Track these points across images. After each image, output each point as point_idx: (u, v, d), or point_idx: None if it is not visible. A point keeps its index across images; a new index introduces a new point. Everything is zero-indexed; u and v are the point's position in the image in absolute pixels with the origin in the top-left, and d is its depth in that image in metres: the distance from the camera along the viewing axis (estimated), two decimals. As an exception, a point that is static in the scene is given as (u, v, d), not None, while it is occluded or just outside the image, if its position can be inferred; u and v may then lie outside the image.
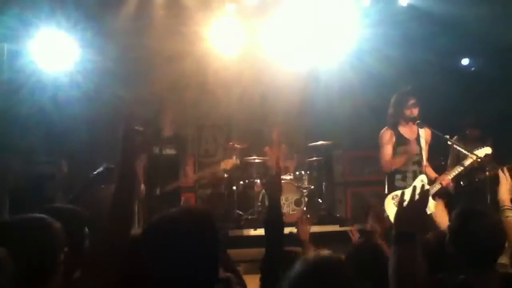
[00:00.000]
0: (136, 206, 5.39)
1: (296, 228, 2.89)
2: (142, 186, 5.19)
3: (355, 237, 3.04)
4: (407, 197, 1.72)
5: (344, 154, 7.59)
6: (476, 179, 4.91)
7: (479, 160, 4.25)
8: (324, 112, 7.47)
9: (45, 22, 6.09)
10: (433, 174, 4.47)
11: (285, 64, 7.08)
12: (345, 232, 6.26)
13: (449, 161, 5.47)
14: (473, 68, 7.11)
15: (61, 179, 6.14)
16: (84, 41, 6.34)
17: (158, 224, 1.55)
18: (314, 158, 7.07)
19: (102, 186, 2.70)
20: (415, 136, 4.50)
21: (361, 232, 3.30)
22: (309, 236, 2.88)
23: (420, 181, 4.40)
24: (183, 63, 7.06)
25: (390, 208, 4.32)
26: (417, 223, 1.67)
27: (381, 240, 4.87)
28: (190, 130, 8.15)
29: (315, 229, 6.19)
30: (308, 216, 5.93)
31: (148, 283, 1.46)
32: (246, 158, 6.93)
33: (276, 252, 2.25)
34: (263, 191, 6.74)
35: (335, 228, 6.46)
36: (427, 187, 4.30)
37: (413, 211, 1.68)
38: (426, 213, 1.74)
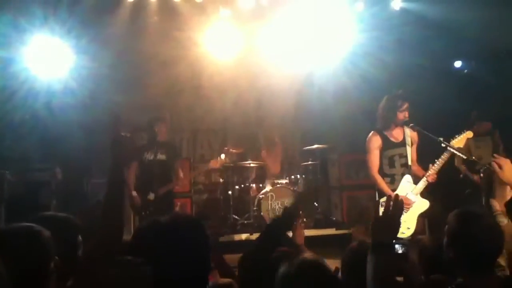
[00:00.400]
0: (132, 214, 5.37)
1: (291, 232, 2.88)
2: (135, 193, 5.17)
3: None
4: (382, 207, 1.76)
5: (339, 158, 7.60)
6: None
7: (465, 157, 4.30)
8: (319, 116, 7.49)
9: (39, 29, 6.09)
10: (421, 172, 4.48)
11: (280, 68, 7.10)
12: (341, 236, 6.29)
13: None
14: (466, 71, 7.15)
15: (56, 186, 6.12)
16: (79, 47, 6.33)
17: (146, 230, 1.55)
18: (310, 162, 7.07)
19: None
20: (401, 138, 4.53)
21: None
22: (305, 239, 2.89)
23: (406, 181, 4.43)
24: (178, 68, 7.08)
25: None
26: (392, 232, 1.72)
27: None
28: (185, 135, 8.15)
29: (312, 232, 6.20)
30: (304, 220, 5.93)
31: None
32: (242, 162, 6.93)
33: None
34: (258, 196, 6.74)
35: (331, 231, 6.46)
36: (412, 186, 4.30)
37: (388, 221, 1.71)
38: (399, 223, 1.78)
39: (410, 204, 4.32)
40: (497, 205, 2.62)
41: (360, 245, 2.24)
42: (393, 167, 4.48)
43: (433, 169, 4.36)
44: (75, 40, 6.28)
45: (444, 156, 4.35)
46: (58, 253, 1.73)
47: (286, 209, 2.50)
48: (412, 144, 4.57)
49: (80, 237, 2.03)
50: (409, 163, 4.50)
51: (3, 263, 1.41)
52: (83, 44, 6.30)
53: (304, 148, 7.08)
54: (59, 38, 6.25)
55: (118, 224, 1.70)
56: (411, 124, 4.50)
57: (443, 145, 4.37)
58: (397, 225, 1.76)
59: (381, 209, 4.20)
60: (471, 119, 5.72)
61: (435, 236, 2.79)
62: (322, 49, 6.93)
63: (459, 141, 4.37)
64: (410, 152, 4.52)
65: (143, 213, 5.10)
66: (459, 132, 4.40)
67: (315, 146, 6.96)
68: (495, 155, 2.54)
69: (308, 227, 6.55)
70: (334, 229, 6.51)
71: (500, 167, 2.40)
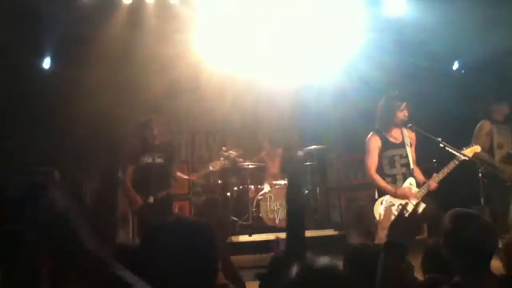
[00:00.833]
0: (130, 217, 5.35)
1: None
2: (134, 196, 5.14)
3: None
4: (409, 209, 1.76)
5: (337, 159, 7.61)
6: None
7: (467, 159, 4.32)
8: (318, 117, 7.50)
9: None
10: (421, 177, 4.52)
11: (278, 69, 7.11)
12: (339, 237, 6.30)
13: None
14: (463, 71, 7.17)
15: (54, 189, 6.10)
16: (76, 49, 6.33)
17: (157, 232, 1.55)
18: (308, 163, 7.08)
19: None
20: (400, 139, 4.55)
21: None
22: (306, 240, 2.85)
23: (409, 184, 4.44)
24: (176, 70, 7.07)
25: (379, 212, 4.35)
26: (409, 235, 1.72)
27: (362, 240, 4.90)
28: (184, 137, 8.15)
29: (311, 233, 6.21)
30: None
31: None
32: (240, 164, 6.93)
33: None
34: (257, 197, 6.74)
35: (330, 232, 6.47)
36: (415, 189, 4.30)
37: (409, 224, 1.72)
38: (420, 226, 1.80)
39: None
40: None
41: (363, 246, 2.24)
42: (394, 167, 4.51)
43: (437, 178, 4.37)
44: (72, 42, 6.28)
45: (450, 166, 4.35)
46: (55, 253, 1.72)
47: None
48: (411, 145, 4.59)
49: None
50: (411, 164, 4.51)
51: None
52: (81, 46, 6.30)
53: (303, 149, 7.09)
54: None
55: (109, 225, 1.69)
56: (409, 125, 4.52)
57: (441, 145, 4.39)
58: (417, 227, 1.77)
59: (382, 207, 4.22)
60: (486, 108, 5.61)
61: (435, 237, 2.80)
62: (320, 50, 6.94)
63: (466, 153, 4.40)
64: (410, 153, 4.53)
65: (141, 216, 5.08)
66: (465, 142, 4.46)
67: (313, 147, 6.97)
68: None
69: (307, 228, 6.54)
70: (333, 230, 6.51)
71: None
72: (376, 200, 4.47)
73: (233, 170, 7.00)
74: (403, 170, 4.51)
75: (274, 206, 6.60)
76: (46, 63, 6.81)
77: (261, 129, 7.83)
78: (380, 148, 4.52)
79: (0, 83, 5.98)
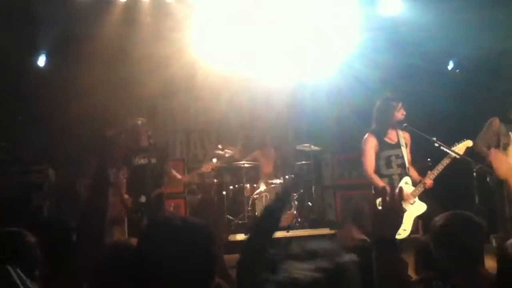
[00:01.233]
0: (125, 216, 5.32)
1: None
2: (126, 197, 5.11)
3: None
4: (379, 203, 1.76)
5: (332, 158, 7.63)
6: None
7: (458, 156, 4.35)
8: (312, 116, 7.51)
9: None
10: (416, 176, 4.56)
11: (273, 69, 7.11)
12: (335, 235, 6.31)
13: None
14: (457, 70, 7.20)
15: (48, 187, 6.09)
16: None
17: (153, 231, 1.54)
18: (303, 162, 7.09)
19: None
20: (396, 140, 4.59)
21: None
22: (300, 239, 2.83)
23: (405, 183, 4.48)
24: (171, 69, 7.06)
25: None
26: (392, 227, 1.72)
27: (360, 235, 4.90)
28: (179, 136, 8.14)
29: (306, 232, 6.22)
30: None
31: None
32: (236, 163, 6.93)
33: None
34: (253, 196, 6.74)
35: (326, 231, 6.48)
36: (411, 188, 4.35)
37: (387, 216, 1.72)
38: (401, 216, 1.79)
39: (407, 197, 4.36)
40: None
41: (361, 245, 2.24)
42: (390, 168, 4.54)
43: (432, 175, 4.41)
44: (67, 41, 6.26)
45: (444, 162, 4.40)
46: (51, 256, 1.72)
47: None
48: (406, 146, 4.62)
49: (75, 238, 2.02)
50: (406, 164, 4.55)
51: None
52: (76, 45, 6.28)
53: (297, 148, 7.10)
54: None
55: (98, 229, 1.68)
56: (404, 125, 4.55)
57: (436, 144, 4.42)
58: (398, 218, 1.76)
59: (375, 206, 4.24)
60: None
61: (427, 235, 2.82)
62: (315, 50, 6.95)
63: (458, 149, 4.44)
64: (406, 153, 4.57)
65: (134, 215, 5.08)
66: (459, 140, 4.48)
67: (308, 146, 6.98)
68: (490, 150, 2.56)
69: (302, 226, 6.57)
70: (328, 229, 6.52)
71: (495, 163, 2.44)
72: (374, 199, 4.49)
73: (228, 169, 7.00)
74: (399, 170, 4.54)
75: (269, 205, 6.60)
76: (41, 61, 6.79)
77: (256, 128, 7.84)
78: (376, 149, 4.55)
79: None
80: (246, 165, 6.92)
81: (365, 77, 6.63)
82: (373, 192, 4.57)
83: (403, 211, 1.76)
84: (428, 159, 5.10)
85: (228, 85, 7.52)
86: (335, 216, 7.31)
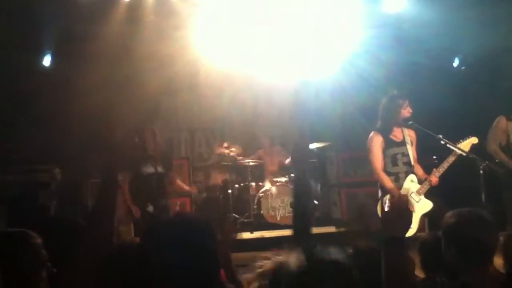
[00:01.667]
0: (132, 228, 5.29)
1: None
2: (133, 207, 4.98)
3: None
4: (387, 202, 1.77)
5: (337, 156, 7.61)
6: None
7: (464, 154, 4.34)
8: (316, 114, 7.49)
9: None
10: (422, 174, 4.55)
11: (276, 66, 7.10)
12: (340, 234, 6.31)
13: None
14: (463, 67, 7.17)
15: (55, 187, 6.10)
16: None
17: (156, 231, 1.55)
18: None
19: None
20: (401, 137, 4.59)
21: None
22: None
23: (410, 181, 4.47)
24: (175, 67, 7.06)
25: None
26: (402, 224, 1.73)
27: (363, 239, 4.91)
28: (183, 134, 8.15)
29: (312, 230, 6.20)
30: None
31: None
32: (240, 161, 6.93)
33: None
34: (258, 194, 6.74)
35: (331, 229, 6.48)
36: (417, 186, 4.36)
37: (396, 214, 1.73)
38: (410, 215, 1.80)
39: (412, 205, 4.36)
40: None
41: (366, 244, 2.24)
42: (396, 166, 4.54)
43: (437, 173, 4.40)
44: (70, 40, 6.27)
45: (449, 159, 4.40)
46: (59, 256, 1.72)
47: None
48: (412, 144, 4.62)
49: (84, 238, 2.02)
50: (412, 162, 4.54)
51: None
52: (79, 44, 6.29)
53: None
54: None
55: (107, 229, 1.68)
56: (410, 122, 4.55)
57: (442, 142, 4.41)
58: (408, 217, 1.78)
59: (384, 207, 4.23)
60: None
61: (433, 232, 2.82)
62: (319, 47, 6.93)
63: (464, 145, 4.43)
64: (411, 151, 4.57)
65: (142, 224, 4.97)
66: (464, 137, 4.47)
67: (313, 144, 6.97)
68: None
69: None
70: (334, 227, 6.52)
71: None
72: (379, 199, 4.49)
73: (233, 167, 7.00)
74: (405, 168, 4.55)
75: (275, 203, 6.60)
76: (46, 61, 6.81)
77: (260, 126, 7.83)
78: (382, 147, 4.55)
79: (0, 81, 5.97)
80: (251, 163, 6.92)
81: (369, 75, 6.62)
82: (379, 191, 4.57)
83: (411, 211, 1.76)
84: (434, 157, 5.08)
85: (231, 83, 7.51)
86: (340, 214, 7.30)
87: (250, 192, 6.80)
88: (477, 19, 5.60)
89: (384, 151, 4.56)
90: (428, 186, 4.44)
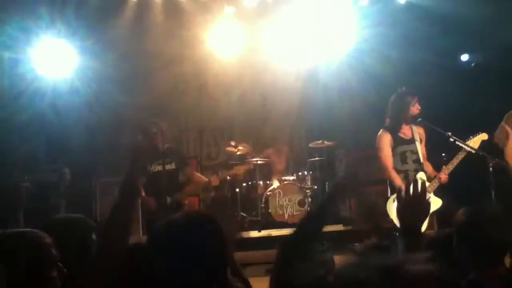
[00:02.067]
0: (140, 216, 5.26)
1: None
2: (149, 198, 4.82)
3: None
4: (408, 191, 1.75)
5: (346, 154, 7.59)
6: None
7: (473, 151, 4.31)
8: (325, 112, 7.48)
9: (45, 30, 6.12)
10: (432, 171, 4.53)
11: (284, 65, 7.09)
12: (348, 232, 6.29)
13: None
14: (473, 64, 7.11)
15: (64, 187, 6.15)
16: (84, 48, 6.36)
17: (162, 230, 1.55)
18: (316, 158, 7.07)
19: None
20: (410, 135, 4.56)
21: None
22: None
23: (420, 178, 4.44)
24: (183, 66, 7.09)
25: (392, 209, 4.34)
26: (420, 214, 1.72)
27: (374, 236, 4.87)
28: (192, 134, 8.17)
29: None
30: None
31: None
32: (248, 160, 6.94)
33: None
34: (266, 193, 6.73)
35: (339, 227, 6.46)
36: (426, 183, 4.34)
37: (414, 203, 1.71)
38: (428, 202, 1.77)
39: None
40: None
41: (377, 242, 2.23)
42: (406, 163, 4.51)
43: (447, 170, 4.37)
44: (80, 41, 6.31)
45: (459, 156, 4.36)
46: (70, 255, 1.73)
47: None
48: (421, 141, 4.59)
49: (94, 237, 2.04)
50: (421, 159, 4.52)
51: (3, 269, 1.41)
52: (88, 45, 6.33)
53: (310, 144, 7.08)
54: (65, 39, 6.28)
55: (124, 229, 1.69)
56: (419, 119, 4.52)
57: (451, 139, 4.38)
58: (426, 206, 1.75)
59: (394, 206, 4.20)
60: None
61: (443, 230, 2.80)
62: (326, 45, 6.91)
63: (473, 142, 4.39)
64: (420, 149, 4.54)
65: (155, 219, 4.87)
66: (474, 134, 4.43)
67: (321, 142, 6.95)
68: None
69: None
70: (342, 225, 6.50)
71: None
72: (389, 197, 4.47)
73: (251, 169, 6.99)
74: (415, 165, 4.52)
75: (283, 202, 6.60)
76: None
77: (267, 125, 7.83)
78: (391, 144, 4.52)
79: (8, 81, 6.03)
80: (259, 162, 6.92)
81: (377, 73, 6.59)
82: (389, 189, 4.55)
83: (429, 200, 1.73)
84: (443, 154, 5.04)
85: (239, 83, 7.52)
86: (349, 213, 7.26)
87: (258, 191, 6.80)
88: (486, 13, 5.55)
89: (393, 148, 4.53)
90: (438, 184, 4.41)
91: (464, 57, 7.20)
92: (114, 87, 6.61)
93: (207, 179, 5.34)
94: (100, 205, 6.50)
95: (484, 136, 4.46)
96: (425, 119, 4.55)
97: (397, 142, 4.53)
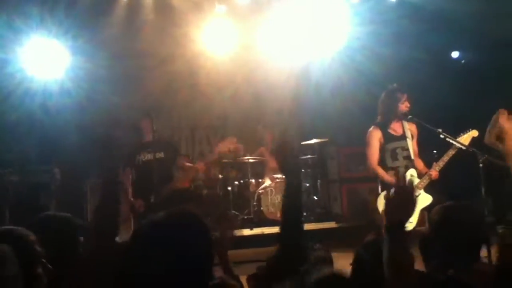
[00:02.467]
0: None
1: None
2: (134, 200, 4.82)
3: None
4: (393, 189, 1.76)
5: (338, 151, 7.61)
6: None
7: (464, 147, 4.33)
8: (317, 110, 7.50)
9: (35, 30, 6.07)
10: (423, 168, 4.54)
11: (276, 63, 7.10)
12: (340, 229, 6.31)
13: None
14: (463, 61, 7.15)
15: (55, 187, 6.12)
16: (75, 47, 6.32)
17: (142, 230, 1.54)
18: (308, 156, 7.09)
19: None
20: (401, 132, 4.57)
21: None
22: (304, 233, 2.80)
23: (410, 175, 4.46)
24: (175, 65, 7.07)
25: (383, 205, 4.36)
26: (405, 211, 1.73)
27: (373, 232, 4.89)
28: (184, 132, 8.16)
29: (311, 226, 6.22)
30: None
31: None
32: (241, 158, 6.94)
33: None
34: (258, 191, 6.73)
35: (331, 225, 6.48)
36: (416, 180, 4.37)
37: (399, 201, 1.73)
38: (414, 201, 1.79)
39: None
40: None
41: (375, 239, 2.24)
42: (396, 160, 4.52)
43: (437, 167, 4.40)
44: (71, 41, 6.27)
45: (449, 153, 4.38)
46: (56, 253, 1.73)
47: None
48: (412, 138, 4.60)
49: (81, 236, 2.04)
50: (412, 156, 4.53)
51: None
52: (79, 45, 6.29)
53: (302, 142, 7.09)
54: (55, 39, 6.24)
55: (110, 231, 1.68)
56: (409, 116, 4.53)
57: (442, 136, 4.40)
58: (411, 203, 1.77)
59: (383, 202, 4.22)
60: None
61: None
62: (318, 43, 6.92)
63: (464, 139, 4.42)
64: (411, 145, 4.55)
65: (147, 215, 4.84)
66: (464, 130, 4.45)
67: (313, 140, 6.97)
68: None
69: (308, 220, 6.57)
70: (334, 222, 6.52)
71: None
72: (380, 193, 4.49)
73: (233, 164, 7.00)
74: (405, 162, 4.53)
75: (275, 200, 6.61)
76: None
77: (261, 123, 7.83)
78: (381, 141, 4.54)
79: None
80: (251, 160, 6.92)
81: (368, 70, 6.61)
82: (379, 186, 4.56)
83: (415, 198, 1.76)
84: (434, 151, 5.07)
85: (232, 81, 7.52)
86: (341, 210, 7.29)
87: (250, 188, 6.81)
88: (477, 11, 5.59)
89: (384, 145, 4.55)
90: (428, 180, 4.43)
91: (455, 55, 7.24)
92: (105, 86, 6.57)
93: (191, 165, 5.26)
94: (91, 205, 6.47)
95: (474, 133, 4.49)
96: (416, 116, 4.58)
97: (388, 138, 4.54)
